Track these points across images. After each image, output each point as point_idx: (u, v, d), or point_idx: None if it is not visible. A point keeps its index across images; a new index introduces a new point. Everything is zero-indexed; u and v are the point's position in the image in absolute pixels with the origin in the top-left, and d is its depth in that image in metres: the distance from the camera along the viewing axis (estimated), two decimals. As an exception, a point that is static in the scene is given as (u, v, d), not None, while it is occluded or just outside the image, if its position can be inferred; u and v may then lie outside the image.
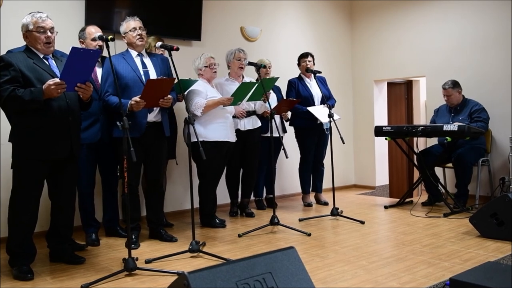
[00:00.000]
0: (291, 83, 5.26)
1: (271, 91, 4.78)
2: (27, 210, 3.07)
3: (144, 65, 3.77)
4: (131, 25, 3.74)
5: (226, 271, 1.89)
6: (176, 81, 3.56)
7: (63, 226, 3.29)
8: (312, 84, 5.24)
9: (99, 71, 3.85)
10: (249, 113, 4.73)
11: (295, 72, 5.39)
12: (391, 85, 7.11)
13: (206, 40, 5.30)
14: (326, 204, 5.39)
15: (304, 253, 3.41)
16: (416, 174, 6.20)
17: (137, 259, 3.12)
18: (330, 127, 4.66)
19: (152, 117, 3.73)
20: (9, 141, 3.17)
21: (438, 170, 5.47)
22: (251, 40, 5.80)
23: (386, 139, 5.21)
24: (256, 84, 4.26)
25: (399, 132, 5.01)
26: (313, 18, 6.49)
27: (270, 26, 6.01)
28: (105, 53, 3.51)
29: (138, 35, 3.72)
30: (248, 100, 4.40)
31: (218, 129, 4.26)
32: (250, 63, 4.35)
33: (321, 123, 5.09)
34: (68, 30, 4.06)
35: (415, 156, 5.20)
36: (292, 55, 5.59)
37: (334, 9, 6.74)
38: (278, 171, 5.53)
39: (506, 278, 2.43)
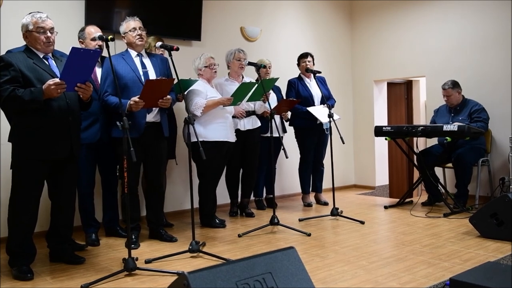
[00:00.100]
0: (291, 83, 5.26)
1: (271, 91, 4.78)
2: (27, 210, 3.07)
3: (143, 66, 3.76)
4: (131, 25, 3.74)
5: (226, 271, 1.89)
6: (175, 81, 3.56)
7: (63, 226, 3.29)
8: (312, 84, 5.24)
9: (98, 71, 3.84)
10: (249, 113, 4.73)
11: (295, 72, 5.39)
12: (391, 85, 7.11)
13: (206, 40, 5.30)
14: (326, 204, 5.39)
15: (304, 253, 3.41)
16: (416, 174, 6.20)
17: (137, 259, 3.12)
18: (330, 127, 4.66)
19: (151, 117, 3.73)
20: (9, 141, 3.17)
21: (438, 170, 5.47)
22: (251, 40, 5.80)
23: (386, 139, 5.21)
24: (256, 85, 4.26)
25: (399, 132, 5.01)
26: (313, 18, 6.49)
27: (270, 26, 6.01)
28: (104, 53, 3.51)
29: (138, 35, 3.72)
30: (248, 101, 4.40)
31: (218, 129, 4.26)
32: (250, 63, 4.35)
33: (321, 123, 5.10)
34: (68, 30, 4.06)
35: (415, 156, 5.20)
36: (292, 55, 5.59)
37: (334, 9, 6.74)
38: (278, 171, 5.53)
39: (506, 278, 2.43)
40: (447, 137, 4.73)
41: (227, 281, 1.87)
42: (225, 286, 1.85)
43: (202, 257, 3.41)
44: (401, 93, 7.30)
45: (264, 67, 4.49)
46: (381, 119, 6.77)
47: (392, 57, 6.44)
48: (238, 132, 4.59)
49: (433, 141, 5.52)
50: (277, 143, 4.46)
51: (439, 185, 5.10)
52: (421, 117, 7.19)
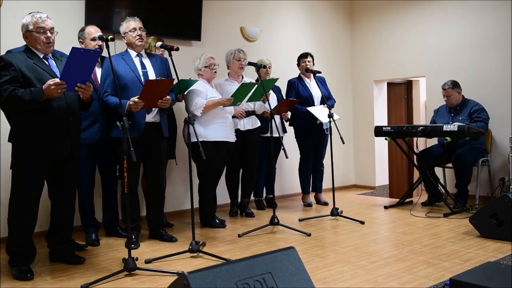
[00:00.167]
0: (290, 83, 5.26)
1: (271, 91, 4.78)
2: (27, 210, 3.07)
3: (143, 66, 3.76)
4: (131, 25, 3.74)
5: (226, 271, 1.89)
6: (175, 81, 3.56)
7: (63, 226, 3.29)
8: (312, 84, 5.24)
9: (98, 71, 3.84)
10: (249, 113, 4.73)
11: (295, 72, 5.39)
12: (391, 85, 7.11)
13: (206, 40, 5.30)
14: (326, 204, 5.39)
15: (304, 253, 3.41)
16: (416, 174, 6.20)
17: (137, 259, 3.12)
18: (330, 127, 4.66)
19: (150, 117, 3.73)
20: (9, 141, 3.17)
21: (438, 170, 5.47)
22: (251, 40, 5.80)
23: (386, 139, 5.21)
24: (256, 85, 4.26)
25: (399, 132, 5.01)
26: (313, 18, 6.49)
27: (270, 26, 6.01)
28: (104, 53, 3.51)
29: (138, 35, 3.72)
30: (248, 101, 4.40)
31: (218, 129, 4.26)
32: (250, 63, 4.35)
33: (321, 123, 5.10)
34: (68, 30, 4.06)
35: (415, 156, 5.20)
36: (292, 55, 5.59)
37: (334, 9, 6.74)
38: (278, 171, 5.53)
39: (506, 278, 2.43)
40: (447, 137, 4.73)
41: (227, 281, 1.87)
42: (225, 286, 1.85)
43: (202, 257, 3.41)
44: (401, 93, 7.30)
45: (264, 67, 4.49)
46: (381, 119, 6.77)
47: (392, 57, 6.44)
48: (238, 132, 4.59)
49: (433, 141, 5.52)
50: (277, 143, 4.46)
51: (439, 185, 5.10)
52: (421, 117, 7.19)
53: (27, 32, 3.07)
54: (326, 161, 5.15)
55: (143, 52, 3.82)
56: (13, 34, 3.63)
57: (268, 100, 4.34)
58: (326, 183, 5.44)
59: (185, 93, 4.14)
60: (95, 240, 3.83)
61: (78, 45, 3.80)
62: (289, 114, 5.28)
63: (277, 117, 4.94)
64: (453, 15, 5.79)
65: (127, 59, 3.72)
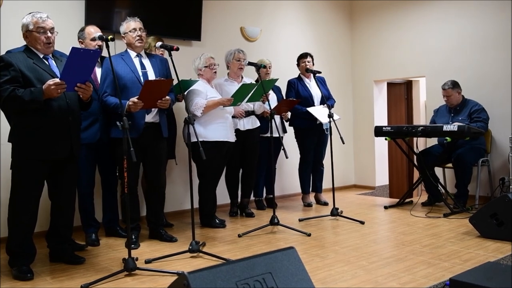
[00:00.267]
0: (290, 84, 5.26)
1: (271, 91, 4.78)
2: (27, 210, 3.07)
3: (142, 66, 3.76)
4: (131, 25, 3.74)
5: (226, 271, 1.89)
6: (175, 81, 3.56)
7: (63, 226, 3.29)
8: (312, 85, 5.24)
9: (98, 71, 3.84)
10: (248, 113, 4.73)
11: (295, 72, 5.39)
12: (391, 85, 7.11)
13: (206, 40, 5.30)
14: (326, 204, 5.39)
15: (304, 253, 3.41)
16: (416, 174, 6.20)
17: (137, 259, 3.12)
18: (330, 127, 4.66)
19: (150, 118, 3.72)
20: (9, 141, 3.17)
21: (438, 170, 5.47)
22: (251, 40, 5.80)
23: (386, 139, 5.21)
24: (256, 86, 4.26)
25: (399, 132, 5.01)
26: (313, 18, 6.49)
27: (270, 26, 6.01)
28: (104, 53, 3.51)
29: (138, 36, 3.71)
30: (247, 101, 4.40)
31: (218, 129, 4.26)
32: (250, 63, 4.35)
33: (320, 123, 5.10)
34: (68, 30, 4.05)
35: (415, 156, 5.20)
36: (292, 55, 5.59)
37: (334, 9, 6.74)
38: (278, 171, 5.53)
39: (506, 278, 2.43)
40: (447, 137, 4.73)
41: (227, 281, 1.87)
42: (225, 286, 1.85)
43: (202, 257, 3.41)
44: (401, 93, 7.30)
45: (264, 67, 4.49)
46: (381, 119, 6.77)
47: (392, 57, 6.44)
48: (237, 132, 4.59)
49: (433, 141, 5.52)
50: (277, 143, 4.46)
51: (439, 185, 5.10)
52: (421, 117, 7.19)
53: (27, 32, 3.07)
54: (326, 161, 5.15)
55: (142, 53, 3.82)
56: (13, 34, 3.63)
57: (267, 101, 4.34)
58: (326, 183, 5.44)
59: (185, 93, 4.14)
60: (95, 240, 3.83)
61: (78, 45, 3.80)
62: (289, 114, 5.28)
63: (277, 117, 4.94)
64: (453, 15, 5.79)
65: (126, 60, 3.72)
